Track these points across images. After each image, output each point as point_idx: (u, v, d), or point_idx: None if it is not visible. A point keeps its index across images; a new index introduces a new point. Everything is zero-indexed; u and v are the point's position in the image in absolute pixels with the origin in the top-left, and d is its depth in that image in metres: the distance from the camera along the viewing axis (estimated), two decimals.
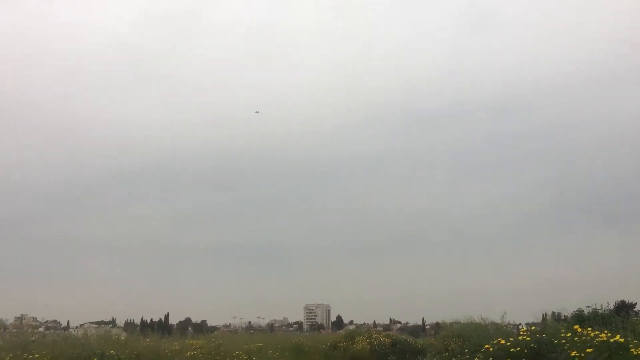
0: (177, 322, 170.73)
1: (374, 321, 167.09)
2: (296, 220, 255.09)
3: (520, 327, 25.21)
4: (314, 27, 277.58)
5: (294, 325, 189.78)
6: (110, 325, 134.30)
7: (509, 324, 23.86)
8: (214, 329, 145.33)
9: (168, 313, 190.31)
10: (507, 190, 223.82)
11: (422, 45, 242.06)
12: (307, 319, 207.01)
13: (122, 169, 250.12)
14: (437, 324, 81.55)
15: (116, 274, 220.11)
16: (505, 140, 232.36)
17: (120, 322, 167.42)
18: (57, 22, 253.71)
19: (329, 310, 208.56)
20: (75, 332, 42.84)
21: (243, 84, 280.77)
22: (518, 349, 13.77)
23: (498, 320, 22.98)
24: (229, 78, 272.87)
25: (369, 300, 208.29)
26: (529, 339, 14.24)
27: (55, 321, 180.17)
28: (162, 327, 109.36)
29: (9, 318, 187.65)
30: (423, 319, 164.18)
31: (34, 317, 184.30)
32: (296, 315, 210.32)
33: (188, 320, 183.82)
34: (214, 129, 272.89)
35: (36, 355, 12.89)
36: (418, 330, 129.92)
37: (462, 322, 24.06)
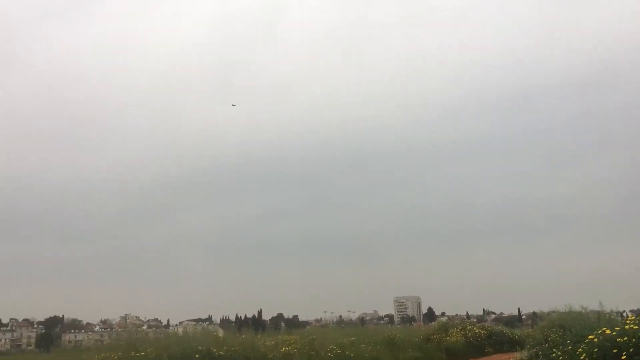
0: (269, 318, 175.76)
1: (467, 312, 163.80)
2: (384, 212, 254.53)
3: (624, 314, 23.80)
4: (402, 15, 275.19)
5: (385, 318, 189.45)
6: (207, 323, 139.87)
7: (611, 311, 22.51)
8: (305, 323, 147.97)
9: (261, 309, 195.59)
10: (603, 173, 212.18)
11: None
12: (398, 311, 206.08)
13: (208, 169, 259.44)
14: (534, 313, 78.69)
15: (210, 273, 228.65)
16: (599, 121, 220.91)
17: (216, 319, 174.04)
18: (149, 32, 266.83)
19: (419, 302, 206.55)
20: (175, 329, 44.83)
21: (327, 81, 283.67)
22: (625, 338, 12.93)
23: (598, 308, 21.74)
24: (314, 77, 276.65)
25: (460, 291, 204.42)
26: (636, 327, 13.33)
27: (156, 319, 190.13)
28: (255, 323, 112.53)
29: (115, 318, 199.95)
30: (519, 309, 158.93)
31: (136, 317, 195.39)
32: (386, 308, 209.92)
33: (280, 315, 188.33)
34: (297, 127, 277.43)
35: (142, 353, 13.60)
36: (514, 320, 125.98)
37: (561, 311, 23.01)
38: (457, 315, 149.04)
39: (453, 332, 33.67)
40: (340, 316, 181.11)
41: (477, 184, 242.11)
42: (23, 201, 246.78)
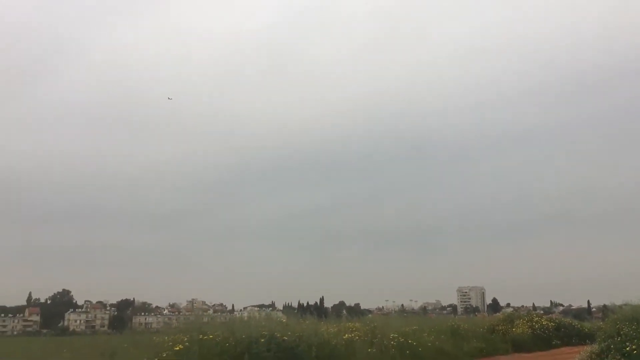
0: (331, 306, 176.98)
1: (533, 304, 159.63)
2: (446, 201, 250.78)
3: None
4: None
5: (447, 308, 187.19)
6: (270, 309, 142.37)
7: None
8: (367, 311, 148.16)
9: (323, 296, 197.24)
10: None
11: None
12: (461, 301, 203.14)
13: (271, 159, 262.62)
14: (604, 306, 75.67)
15: (274, 261, 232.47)
16: None
17: (279, 305, 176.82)
18: (211, 30, 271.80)
19: (483, 292, 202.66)
20: (240, 314, 45.88)
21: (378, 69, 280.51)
22: None
23: None
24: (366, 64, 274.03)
25: (526, 282, 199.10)
26: None
27: (221, 304, 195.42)
28: (317, 310, 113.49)
29: (182, 302, 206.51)
30: (588, 301, 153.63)
31: (203, 301, 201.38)
32: (449, 298, 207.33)
33: (342, 303, 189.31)
34: (358, 119, 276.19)
35: (210, 336, 14.00)
36: (583, 313, 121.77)
37: (634, 303, 22.00)
38: (522, 306, 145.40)
39: (519, 324, 32.80)
40: (402, 305, 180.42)
41: (543, 173, 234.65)
42: (99, 192, 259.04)
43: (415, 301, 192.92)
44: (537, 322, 33.46)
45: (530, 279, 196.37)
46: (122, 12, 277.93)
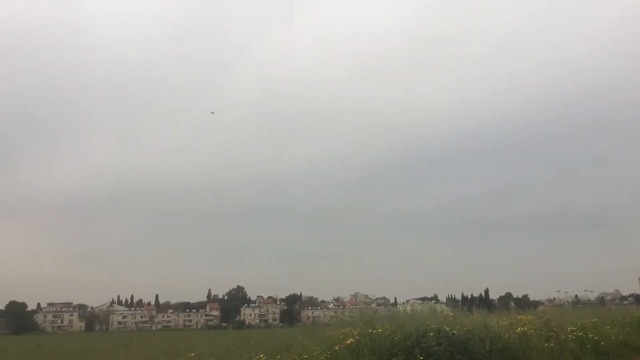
0: (497, 297, 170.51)
1: None
2: (629, 181, 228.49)
3: None
4: None
5: (629, 299, 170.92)
6: (433, 301, 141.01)
7: None
8: (536, 303, 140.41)
9: (487, 288, 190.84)
10: None
11: None
12: None
13: (418, 152, 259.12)
14: None
15: (435, 252, 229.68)
16: None
17: (442, 297, 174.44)
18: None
19: None
20: (403, 307, 46.03)
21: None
22: None
23: None
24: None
25: None
26: None
27: (384, 298, 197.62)
28: (482, 302, 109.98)
29: (346, 296, 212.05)
30: None
31: (365, 295, 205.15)
32: (630, 287, 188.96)
33: (509, 295, 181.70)
34: (499, 102, 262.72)
35: (379, 330, 14.28)
36: None
37: None
38: None
39: None
40: (576, 296, 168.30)
41: None
42: (263, 193, 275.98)
43: (591, 291, 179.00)
44: None
45: None
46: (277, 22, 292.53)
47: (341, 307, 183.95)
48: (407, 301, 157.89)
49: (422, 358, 12.63)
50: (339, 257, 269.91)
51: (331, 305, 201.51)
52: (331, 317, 71.11)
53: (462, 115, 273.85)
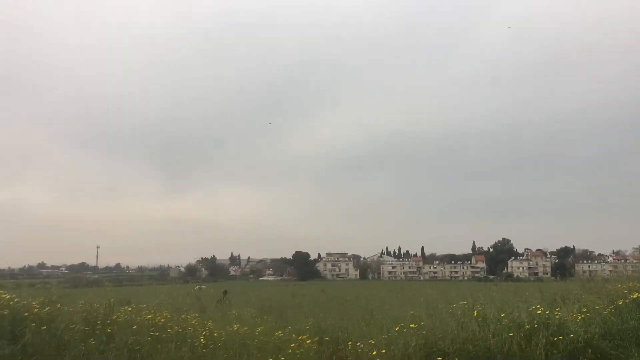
0: None
1: None
2: None
3: None
4: None
5: None
6: None
7: None
8: None
9: None
10: None
11: None
12: None
13: None
14: None
15: None
16: None
17: None
18: None
19: None
20: None
21: None
22: None
23: None
24: None
25: None
26: None
27: None
28: None
29: (628, 249, 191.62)
30: None
31: None
32: None
33: None
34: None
35: None
36: None
37: None
38: None
39: None
40: None
41: None
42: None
43: None
44: None
45: None
46: None
47: (622, 260, 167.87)
48: None
49: None
50: (619, 208, 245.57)
51: (610, 259, 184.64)
52: (610, 271, 65.44)
53: None
